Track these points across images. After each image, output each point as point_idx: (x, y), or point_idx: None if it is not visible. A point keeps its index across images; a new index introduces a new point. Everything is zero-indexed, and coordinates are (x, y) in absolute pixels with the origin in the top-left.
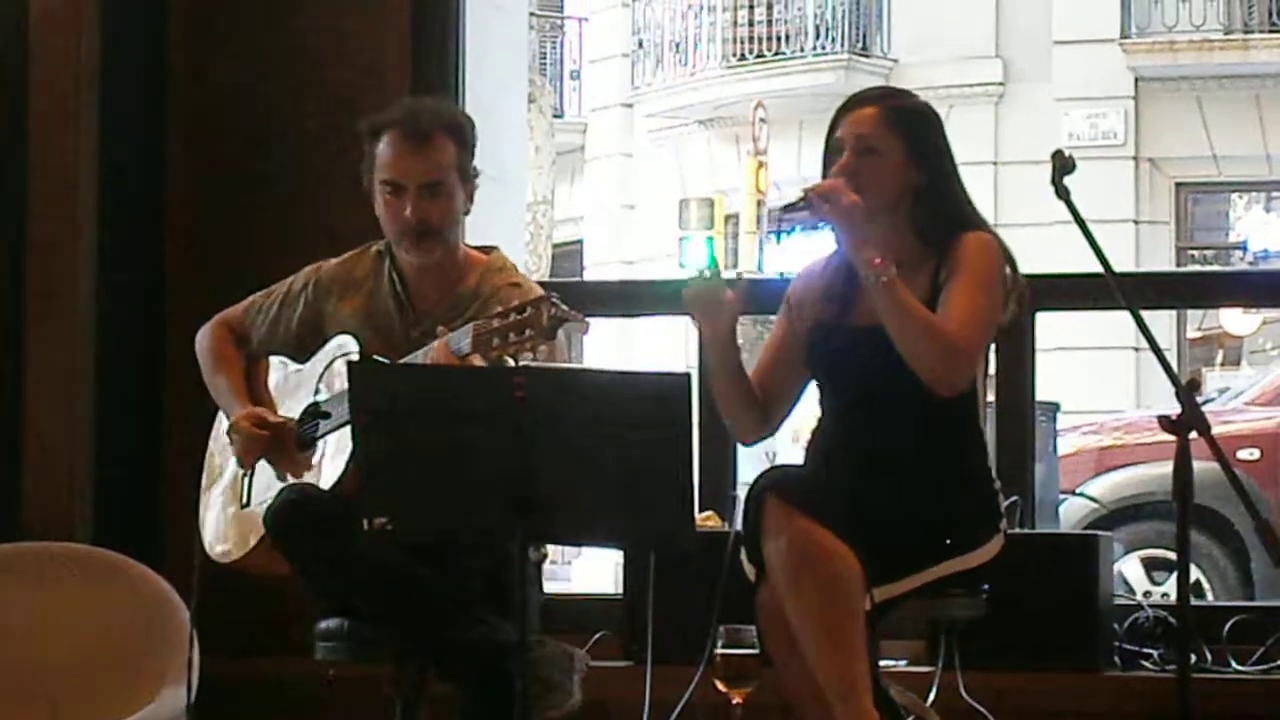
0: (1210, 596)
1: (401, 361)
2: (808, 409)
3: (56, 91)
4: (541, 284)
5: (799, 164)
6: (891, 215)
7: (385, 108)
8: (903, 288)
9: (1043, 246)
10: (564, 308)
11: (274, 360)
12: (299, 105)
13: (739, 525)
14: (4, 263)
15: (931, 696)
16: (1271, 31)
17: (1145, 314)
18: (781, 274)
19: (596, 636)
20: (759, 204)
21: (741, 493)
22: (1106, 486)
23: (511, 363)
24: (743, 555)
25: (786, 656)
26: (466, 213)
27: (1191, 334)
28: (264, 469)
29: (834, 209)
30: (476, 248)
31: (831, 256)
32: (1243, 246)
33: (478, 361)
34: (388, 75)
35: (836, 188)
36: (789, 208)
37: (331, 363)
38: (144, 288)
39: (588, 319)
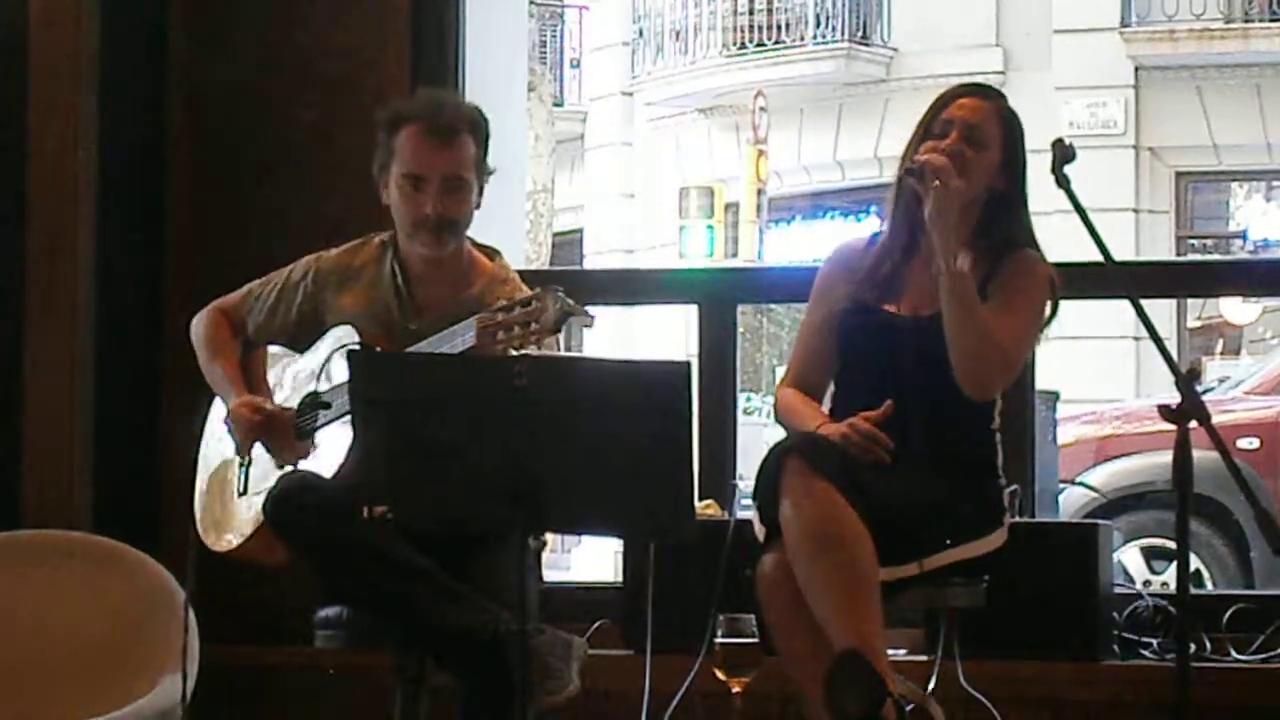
0: (1210, 585)
1: (414, 347)
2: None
3: (56, 82)
4: (542, 273)
5: (799, 153)
6: (962, 213)
7: (389, 97)
8: (972, 283)
9: (1043, 235)
10: (570, 302)
11: (272, 349)
12: (298, 95)
13: (739, 514)
14: (4, 253)
15: (931, 685)
16: (1272, 21)
17: (1145, 303)
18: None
19: (596, 625)
20: (759, 193)
21: (742, 482)
22: (1106, 475)
23: (513, 353)
24: (753, 515)
25: (786, 621)
26: (477, 207)
27: (1191, 323)
28: (262, 458)
29: (942, 188)
30: (479, 246)
31: (869, 240)
32: (1243, 235)
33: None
34: (388, 64)
35: (948, 168)
36: (910, 171)
37: (332, 354)
38: (143, 277)
39: (592, 312)
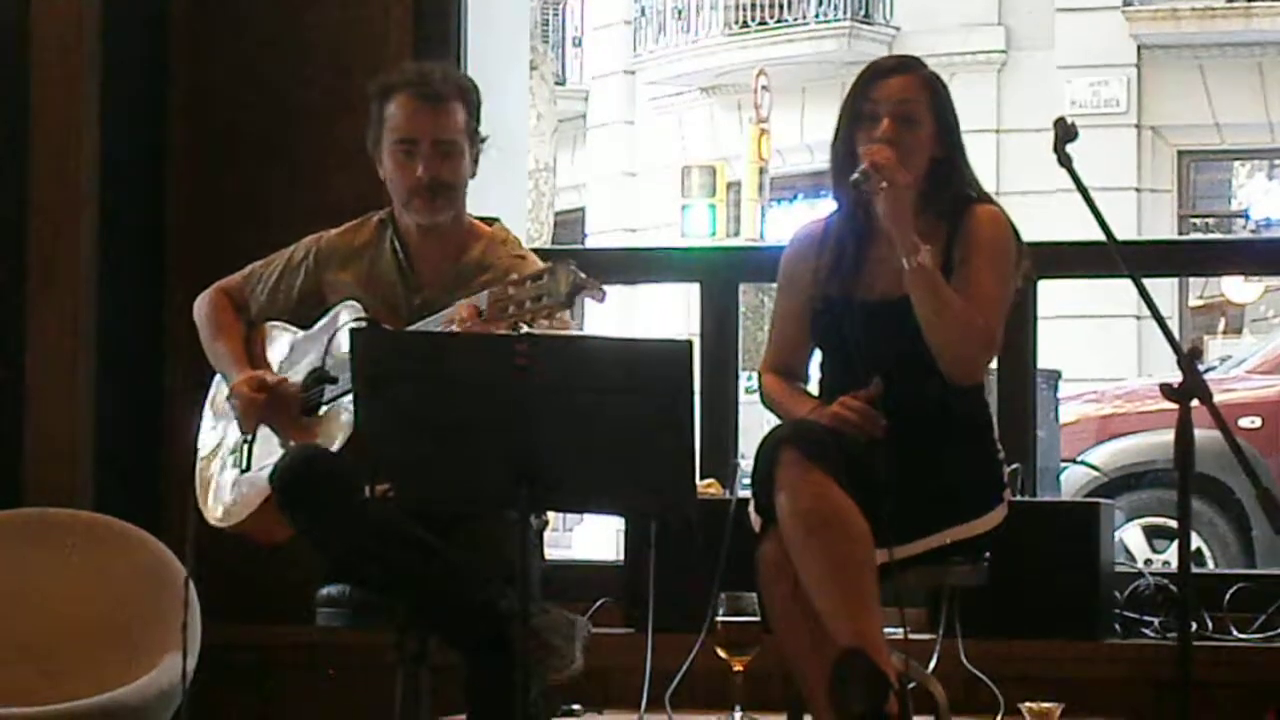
0: (1211, 564)
1: (412, 327)
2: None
3: (58, 64)
4: (544, 251)
5: (801, 131)
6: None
7: (388, 73)
8: (939, 274)
9: (1045, 214)
10: (582, 275)
11: (277, 327)
12: (300, 74)
13: (740, 493)
14: (5, 233)
15: (933, 664)
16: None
17: (1147, 282)
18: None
19: (598, 603)
20: (761, 171)
21: (743, 462)
22: (1108, 454)
23: (526, 329)
24: (750, 505)
25: (786, 611)
26: (472, 176)
27: (1193, 302)
28: (265, 435)
29: (891, 187)
30: (478, 218)
31: (825, 225)
32: (1245, 214)
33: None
34: (390, 43)
35: (891, 162)
36: (857, 183)
37: (338, 330)
38: (144, 256)
39: (605, 287)
